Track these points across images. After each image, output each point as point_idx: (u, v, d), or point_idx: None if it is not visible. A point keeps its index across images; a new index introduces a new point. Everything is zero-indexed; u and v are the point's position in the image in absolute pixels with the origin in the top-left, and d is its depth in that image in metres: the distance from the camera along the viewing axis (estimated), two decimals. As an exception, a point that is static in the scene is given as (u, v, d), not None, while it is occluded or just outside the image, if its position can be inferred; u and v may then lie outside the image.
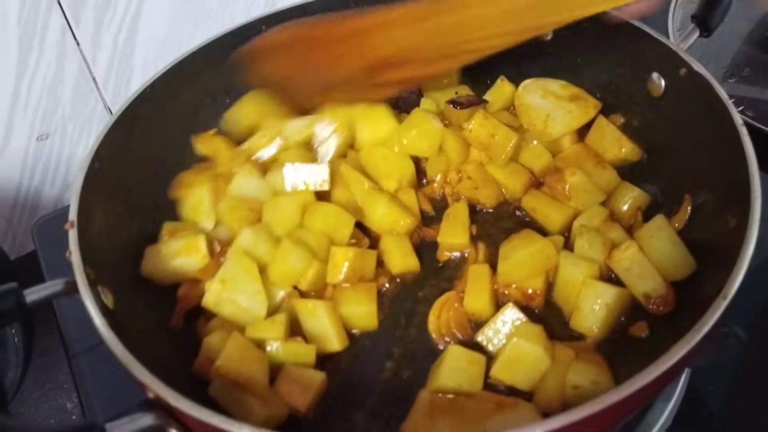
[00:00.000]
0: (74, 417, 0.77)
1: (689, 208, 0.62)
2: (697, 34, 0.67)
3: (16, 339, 0.72)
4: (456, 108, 0.76)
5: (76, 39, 0.85)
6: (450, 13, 0.65)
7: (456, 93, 0.80)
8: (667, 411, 0.62)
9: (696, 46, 0.70)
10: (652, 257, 0.60)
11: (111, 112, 0.92)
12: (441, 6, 0.66)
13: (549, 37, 0.78)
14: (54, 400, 0.78)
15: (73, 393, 0.74)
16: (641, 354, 0.53)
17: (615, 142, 0.72)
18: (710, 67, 0.90)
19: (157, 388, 0.43)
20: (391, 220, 0.70)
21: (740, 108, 0.87)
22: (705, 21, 0.67)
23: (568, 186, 0.69)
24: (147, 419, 0.43)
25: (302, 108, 0.78)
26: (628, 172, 0.72)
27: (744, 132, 0.56)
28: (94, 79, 0.89)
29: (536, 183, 0.74)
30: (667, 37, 0.69)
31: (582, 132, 0.75)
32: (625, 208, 0.68)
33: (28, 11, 0.80)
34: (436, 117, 0.77)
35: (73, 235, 0.53)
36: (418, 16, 0.66)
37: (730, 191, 0.55)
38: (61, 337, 0.74)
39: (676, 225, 0.63)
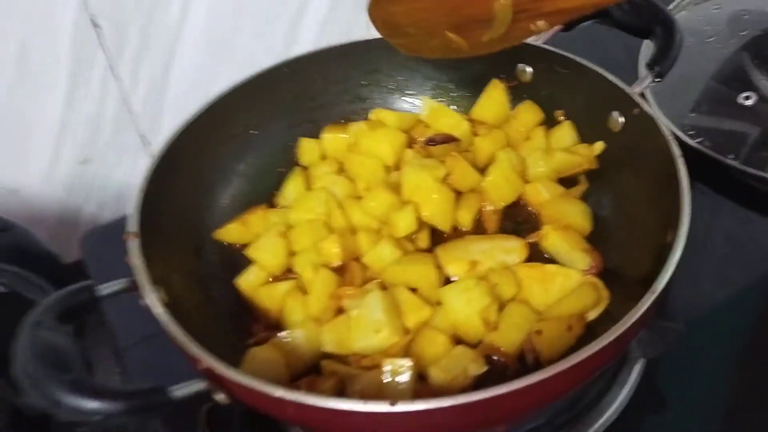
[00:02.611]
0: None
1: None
2: (650, 79, 0.80)
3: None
4: (431, 145, 0.84)
5: (117, 76, 0.98)
6: None
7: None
8: (622, 395, 0.73)
9: (668, 84, 0.82)
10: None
11: (146, 141, 1.05)
12: None
13: (529, 80, 0.91)
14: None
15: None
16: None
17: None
18: (676, 103, 1.04)
19: (207, 361, 0.55)
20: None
21: (699, 139, 0.99)
22: (656, 68, 0.79)
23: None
24: (200, 385, 0.55)
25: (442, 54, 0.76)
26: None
27: (680, 164, 0.68)
28: (131, 111, 1.02)
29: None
30: (636, 78, 0.82)
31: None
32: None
33: (77, 52, 0.93)
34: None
35: (133, 244, 0.65)
36: None
37: (670, 209, 0.67)
38: (110, 333, 0.86)
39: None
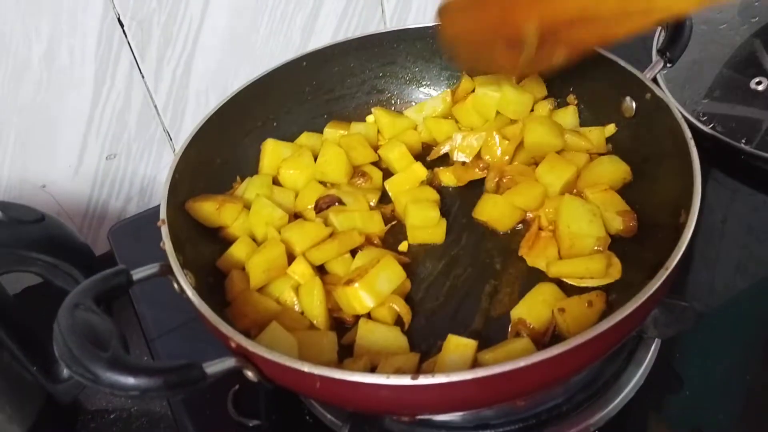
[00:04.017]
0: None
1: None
2: (661, 64, 0.81)
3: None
4: (316, 212, 0.85)
5: (141, 73, 1.00)
6: None
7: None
8: (638, 375, 0.75)
9: (681, 71, 0.83)
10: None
11: (169, 135, 1.08)
12: None
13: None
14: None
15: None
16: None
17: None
18: (689, 90, 1.05)
19: (238, 339, 0.57)
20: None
21: (711, 125, 1.01)
22: (667, 54, 0.81)
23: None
24: (231, 361, 0.57)
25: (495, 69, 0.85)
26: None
27: (692, 145, 0.70)
28: (155, 106, 1.04)
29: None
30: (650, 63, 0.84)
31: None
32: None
33: (103, 50, 0.96)
34: None
35: (165, 230, 0.68)
36: None
37: (683, 191, 0.69)
38: (139, 324, 0.89)
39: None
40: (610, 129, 0.87)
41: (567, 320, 0.69)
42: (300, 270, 0.76)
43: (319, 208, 0.85)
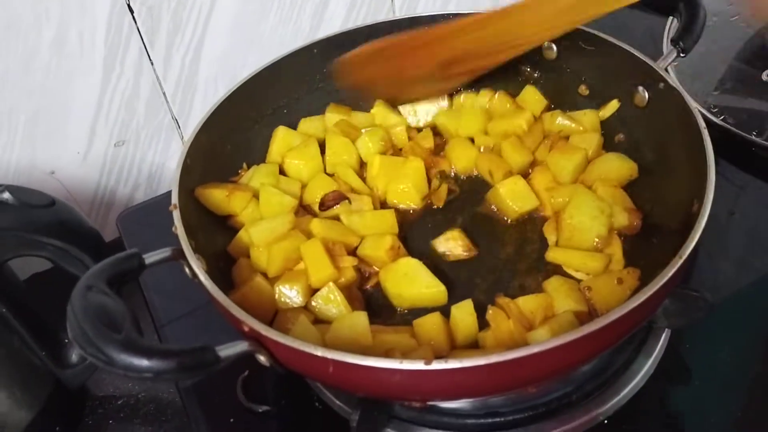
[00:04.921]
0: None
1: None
2: (674, 54, 0.81)
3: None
4: (321, 210, 0.85)
5: (150, 59, 1.00)
6: (505, 18, 0.83)
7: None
8: (647, 365, 0.75)
9: (691, 63, 0.83)
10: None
11: (178, 123, 1.07)
12: (496, 14, 0.83)
13: (554, 57, 0.93)
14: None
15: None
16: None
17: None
18: (700, 82, 1.05)
19: (250, 322, 0.57)
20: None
21: (722, 116, 1.00)
22: (681, 43, 0.80)
23: None
24: (243, 345, 0.57)
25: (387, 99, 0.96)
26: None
27: (706, 134, 0.70)
28: (164, 93, 1.04)
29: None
30: (662, 54, 0.83)
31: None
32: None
33: (113, 36, 0.95)
34: None
35: (176, 215, 0.67)
36: (479, 24, 0.85)
37: (695, 180, 0.69)
38: (148, 310, 0.89)
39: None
40: (611, 107, 0.87)
41: (596, 298, 0.70)
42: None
43: (325, 206, 0.85)
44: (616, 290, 0.70)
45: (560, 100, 0.94)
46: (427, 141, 0.94)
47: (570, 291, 0.72)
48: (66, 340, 0.86)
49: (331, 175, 0.89)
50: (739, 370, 0.77)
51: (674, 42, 0.81)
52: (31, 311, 0.83)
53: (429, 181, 0.90)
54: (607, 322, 0.56)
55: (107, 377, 0.92)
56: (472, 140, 0.93)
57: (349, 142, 0.91)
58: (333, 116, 0.95)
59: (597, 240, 0.76)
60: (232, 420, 0.75)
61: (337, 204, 0.84)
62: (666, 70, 0.81)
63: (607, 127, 0.89)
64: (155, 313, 0.89)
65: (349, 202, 0.85)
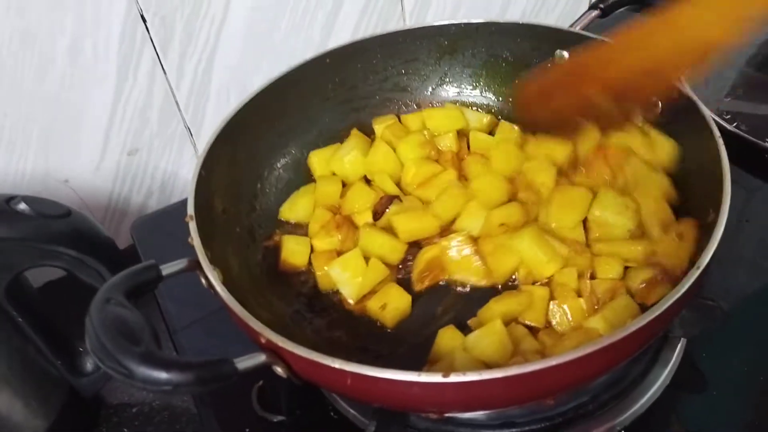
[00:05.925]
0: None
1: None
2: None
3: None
4: (375, 219, 0.86)
5: (163, 69, 1.00)
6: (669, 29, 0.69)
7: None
8: (664, 374, 0.75)
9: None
10: None
11: (190, 131, 1.08)
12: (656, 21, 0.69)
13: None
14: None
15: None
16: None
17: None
18: (711, 89, 1.04)
19: (267, 334, 0.57)
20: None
21: (735, 123, 1.00)
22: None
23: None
24: (261, 357, 0.57)
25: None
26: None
27: (721, 144, 0.70)
28: (177, 103, 1.04)
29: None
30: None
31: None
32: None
33: (126, 45, 0.96)
34: None
35: (193, 226, 0.68)
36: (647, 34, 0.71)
37: (710, 189, 0.68)
38: (163, 319, 0.89)
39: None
40: None
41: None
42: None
43: (378, 214, 0.86)
44: (681, 246, 0.72)
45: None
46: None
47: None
48: (81, 349, 0.87)
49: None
50: (754, 378, 0.76)
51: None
52: (46, 320, 0.84)
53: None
54: (625, 334, 0.56)
55: (121, 385, 0.92)
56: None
57: (390, 150, 0.92)
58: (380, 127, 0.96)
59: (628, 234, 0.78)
60: (247, 430, 0.75)
61: (388, 206, 0.86)
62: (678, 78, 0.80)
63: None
64: (169, 320, 0.89)
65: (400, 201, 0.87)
